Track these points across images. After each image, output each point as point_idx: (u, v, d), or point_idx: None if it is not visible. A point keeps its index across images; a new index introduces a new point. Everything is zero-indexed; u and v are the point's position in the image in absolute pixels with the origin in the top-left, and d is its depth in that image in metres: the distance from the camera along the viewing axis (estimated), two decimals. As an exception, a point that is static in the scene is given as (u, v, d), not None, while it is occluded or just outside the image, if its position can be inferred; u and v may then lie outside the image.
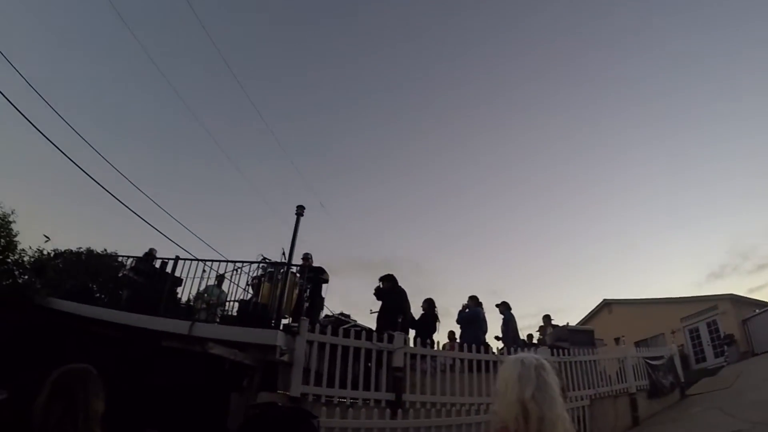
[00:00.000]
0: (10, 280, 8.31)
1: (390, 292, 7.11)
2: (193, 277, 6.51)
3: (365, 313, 7.81)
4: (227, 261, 6.69)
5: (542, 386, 1.38)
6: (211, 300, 6.90)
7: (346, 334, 5.89)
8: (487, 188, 38.09)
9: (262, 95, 33.03)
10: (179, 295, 7.08)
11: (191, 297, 6.97)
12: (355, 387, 5.69)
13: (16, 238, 8.56)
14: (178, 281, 6.78)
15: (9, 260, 8.60)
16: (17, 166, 24.49)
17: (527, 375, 1.40)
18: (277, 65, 31.48)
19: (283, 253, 6.06)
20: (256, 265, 6.41)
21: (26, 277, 8.77)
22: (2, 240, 8.47)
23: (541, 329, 10.43)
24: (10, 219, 8.40)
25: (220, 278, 7.01)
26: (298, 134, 31.01)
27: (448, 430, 5.87)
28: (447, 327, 11.18)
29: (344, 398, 5.66)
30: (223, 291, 7.39)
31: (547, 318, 10.34)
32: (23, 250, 8.67)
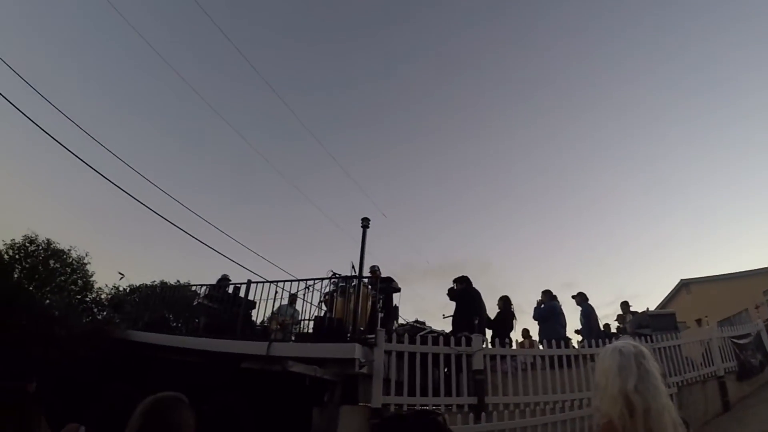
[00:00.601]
0: (90, 318, 8.84)
1: (464, 293, 6.98)
2: (266, 299, 6.67)
3: (439, 319, 7.82)
4: (298, 280, 6.82)
5: (644, 376, 1.31)
6: (284, 320, 7.05)
7: (424, 341, 5.85)
8: (549, 177, 36.68)
9: (308, 111, 33.58)
10: (254, 318, 7.29)
11: (266, 318, 7.15)
12: (436, 393, 5.63)
13: (92, 278, 9.12)
14: (252, 304, 6.98)
15: (87, 299, 9.16)
16: (89, 210, 26.08)
17: (627, 365, 1.33)
18: (321, 74, 31.93)
19: (353, 267, 6.12)
20: (327, 281, 6.50)
21: (105, 313, 9.30)
22: (79, 281, 9.04)
23: (619, 317, 9.95)
24: (85, 261, 8.94)
25: (293, 297, 7.16)
26: (349, 145, 31.28)
27: (534, 430, 5.71)
28: (522, 324, 10.87)
29: (426, 406, 5.63)
30: (296, 310, 7.55)
31: (625, 305, 9.85)
32: (100, 288, 9.21)
